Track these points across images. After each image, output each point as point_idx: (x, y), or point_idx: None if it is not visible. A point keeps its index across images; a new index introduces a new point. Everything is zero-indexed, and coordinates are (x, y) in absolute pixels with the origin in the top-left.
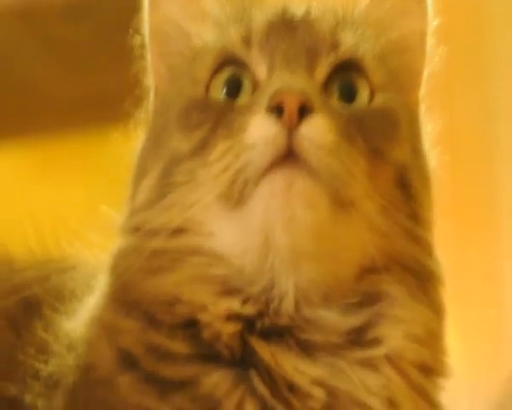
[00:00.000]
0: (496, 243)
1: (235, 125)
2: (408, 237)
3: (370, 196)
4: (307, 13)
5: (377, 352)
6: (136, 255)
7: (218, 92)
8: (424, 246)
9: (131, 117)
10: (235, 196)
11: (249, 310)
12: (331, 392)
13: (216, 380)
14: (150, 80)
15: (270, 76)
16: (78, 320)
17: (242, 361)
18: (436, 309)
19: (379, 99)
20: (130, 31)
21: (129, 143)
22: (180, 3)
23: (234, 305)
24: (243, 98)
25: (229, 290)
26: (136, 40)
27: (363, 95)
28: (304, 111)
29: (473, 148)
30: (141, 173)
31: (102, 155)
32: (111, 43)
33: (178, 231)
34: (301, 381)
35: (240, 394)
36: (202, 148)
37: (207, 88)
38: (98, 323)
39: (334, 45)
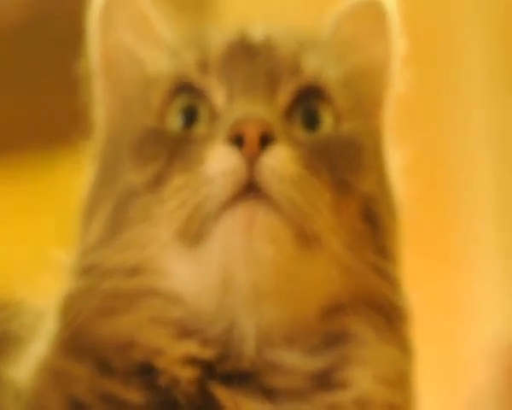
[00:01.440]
0: (462, 279)
1: (193, 158)
2: (375, 273)
3: (336, 231)
4: (267, 37)
5: (345, 396)
6: (88, 297)
7: (174, 121)
8: (392, 282)
9: (79, 146)
10: (193, 234)
11: (208, 353)
12: None
13: None
14: (100, 111)
15: (229, 104)
16: (24, 368)
17: (202, 409)
18: (405, 349)
19: (344, 127)
20: (78, 55)
21: (77, 173)
22: (133, 28)
23: (191, 348)
24: (200, 128)
25: (186, 333)
26: (84, 66)
27: (327, 122)
28: (265, 141)
29: (441, 179)
30: (92, 210)
31: (47, 185)
32: (60, 68)
33: (134, 271)
34: None
35: None
36: (157, 182)
37: (162, 117)
38: (46, 370)
39: (296, 70)
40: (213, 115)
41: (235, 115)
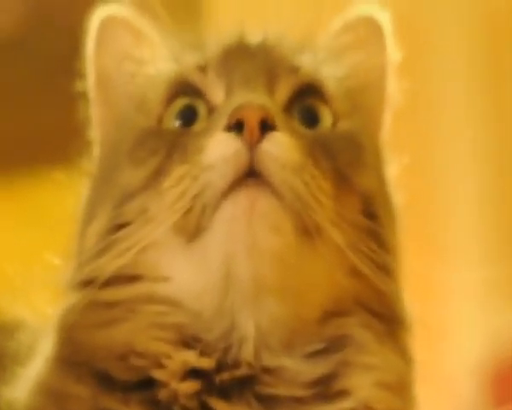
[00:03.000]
0: (445, 291)
1: (192, 149)
2: (377, 272)
3: (337, 223)
4: (265, 38)
5: (346, 404)
6: (86, 311)
7: (172, 123)
8: (394, 287)
9: (74, 161)
10: (192, 226)
11: (207, 363)
12: None
13: None
14: (95, 130)
15: (228, 97)
16: (21, 388)
17: None
18: (405, 357)
19: (343, 125)
20: (73, 72)
21: (71, 188)
22: (128, 46)
23: (190, 358)
24: (199, 125)
25: (185, 341)
26: (80, 84)
27: (325, 120)
28: (265, 127)
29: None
30: (86, 225)
31: (41, 200)
32: (52, 84)
33: (131, 278)
34: None
35: None
36: (156, 177)
37: (160, 120)
38: (44, 390)
39: (294, 68)
40: (212, 112)
41: (234, 105)
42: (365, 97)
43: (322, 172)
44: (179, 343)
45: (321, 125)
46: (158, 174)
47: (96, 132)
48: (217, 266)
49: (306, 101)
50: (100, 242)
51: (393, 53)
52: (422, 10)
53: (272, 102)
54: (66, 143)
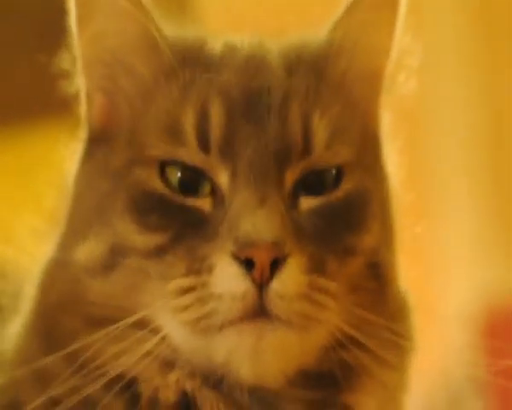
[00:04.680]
0: (437, 241)
1: (198, 255)
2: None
3: (340, 311)
4: (273, 90)
5: None
6: (67, 286)
7: (173, 178)
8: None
9: (65, 115)
10: (197, 329)
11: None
12: None
13: None
14: (82, 87)
15: (233, 191)
16: (5, 343)
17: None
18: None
19: (347, 184)
20: (58, 29)
21: (63, 141)
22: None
23: (179, 377)
24: (204, 202)
25: (173, 365)
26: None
27: (329, 184)
28: (276, 263)
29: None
30: (79, 221)
31: (25, 156)
32: (31, 36)
33: (124, 311)
34: None
35: None
36: (159, 256)
37: (162, 170)
38: (23, 362)
39: (306, 149)
40: (216, 193)
41: (244, 229)
42: (367, 81)
43: (329, 271)
44: (167, 367)
45: (325, 189)
46: (161, 255)
47: (83, 91)
48: (218, 358)
49: (314, 175)
50: (93, 265)
51: (402, 30)
52: None
53: (280, 195)
54: (57, 97)
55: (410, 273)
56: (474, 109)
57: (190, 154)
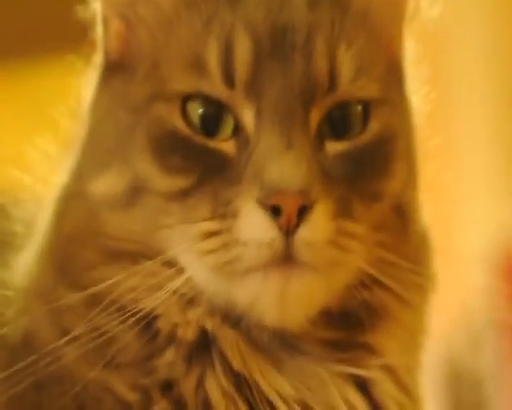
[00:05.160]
0: (457, 182)
1: (223, 199)
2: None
3: (366, 255)
4: (298, 27)
5: (372, 361)
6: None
7: (195, 115)
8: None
9: (78, 50)
10: (222, 272)
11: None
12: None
13: (171, 360)
14: (99, 12)
15: (258, 132)
16: (17, 274)
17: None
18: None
19: (374, 123)
20: None
21: (74, 76)
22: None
23: (199, 315)
24: (228, 144)
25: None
26: None
27: (356, 125)
28: (303, 210)
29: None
30: (96, 152)
31: (41, 85)
32: None
33: (141, 254)
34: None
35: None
36: (182, 199)
37: (183, 107)
38: (37, 293)
39: (332, 85)
40: (239, 134)
41: (271, 175)
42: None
43: (356, 213)
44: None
45: (352, 130)
46: (184, 198)
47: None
48: (243, 303)
49: (339, 111)
50: (113, 199)
51: None
52: None
53: (306, 138)
54: (73, 23)
55: (430, 213)
56: (500, 37)
57: (214, 87)
